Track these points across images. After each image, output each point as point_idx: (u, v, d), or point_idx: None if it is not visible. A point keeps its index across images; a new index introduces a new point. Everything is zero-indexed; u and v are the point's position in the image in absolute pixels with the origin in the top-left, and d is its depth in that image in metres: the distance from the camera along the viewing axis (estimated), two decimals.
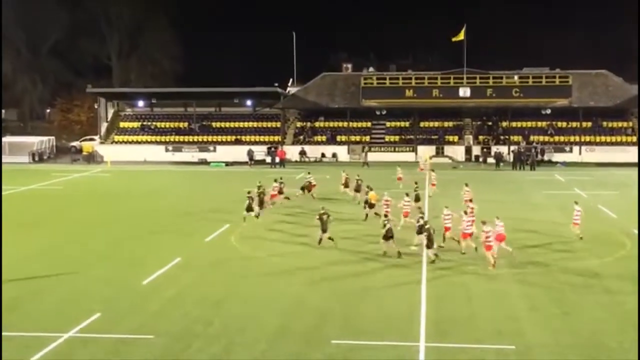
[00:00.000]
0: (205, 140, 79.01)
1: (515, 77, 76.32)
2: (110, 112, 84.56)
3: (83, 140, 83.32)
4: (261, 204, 38.42)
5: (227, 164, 71.29)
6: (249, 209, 36.91)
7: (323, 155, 74.65)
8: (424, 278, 26.78)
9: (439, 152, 74.71)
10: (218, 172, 66.42)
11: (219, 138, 79.22)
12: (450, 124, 78.67)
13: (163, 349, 19.72)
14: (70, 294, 24.97)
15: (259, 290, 25.45)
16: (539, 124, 76.92)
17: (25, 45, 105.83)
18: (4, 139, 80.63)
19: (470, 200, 36.29)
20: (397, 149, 75.72)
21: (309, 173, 49.51)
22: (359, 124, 79.01)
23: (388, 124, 78.99)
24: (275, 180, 42.94)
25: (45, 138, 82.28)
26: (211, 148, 77.31)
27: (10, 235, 35.22)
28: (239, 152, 73.86)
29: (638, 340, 20.00)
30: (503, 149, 72.45)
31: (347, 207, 41.53)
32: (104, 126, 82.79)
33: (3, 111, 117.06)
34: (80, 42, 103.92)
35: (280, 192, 42.16)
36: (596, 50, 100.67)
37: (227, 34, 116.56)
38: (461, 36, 74.06)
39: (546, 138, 75.23)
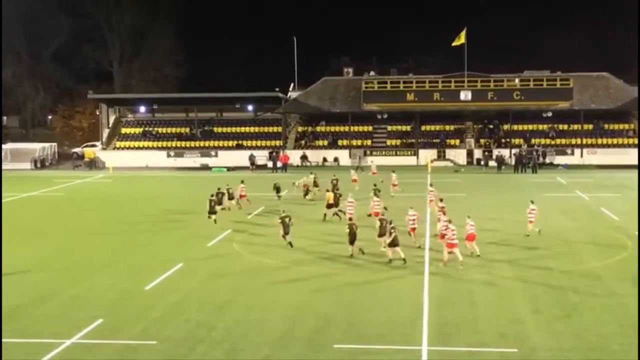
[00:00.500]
0: (206, 145, 79.09)
1: (516, 80, 76.49)
2: (112, 118, 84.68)
3: (85, 147, 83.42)
4: (220, 204, 40.14)
5: (229, 169, 71.33)
6: (212, 211, 38.54)
7: (325, 159, 74.69)
8: (427, 282, 26.77)
9: (441, 156, 74.74)
10: (220, 177, 66.49)
11: (221, 143, 79.31)
12: (452, 127, 78.69)
13: (166, 355, 19.73)
14: (72, 300, 24.98)
15: (262, 295, 25.45)
16: (540, 126, 76.97)
17: (27, 52, 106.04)
18: (5, 146, 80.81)
19: (441, 200, 36.56)
20: (398, 152, 75.75)
21: (311, 173, 50.29)
22: (361, 128, 79.07)
23: (389, 127, 79.02)
24: (242, 182, 45.31)
25: (47, 144, 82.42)
26: (213, 153, 77.39)
27: (12, 242, 35.26)
28: (240, 157, 73.88)
29: (638, 340, 20.05)
30: (505, 152, 72.49)
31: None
32: (105, 132, 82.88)
33: (5, 118, 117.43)
34: (82, 48, 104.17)
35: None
36: (597, 52, 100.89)
37: (228, 40, 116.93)
38: (462, 39, 74.13)
39: (547, 141, 75.25)
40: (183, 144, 79.75)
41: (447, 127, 78.60)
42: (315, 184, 47.90)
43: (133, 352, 20.00)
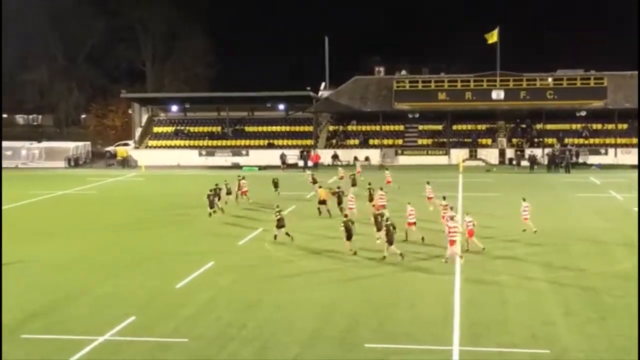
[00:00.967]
0: (238, 144, 79.43)
1: (549, 79, 75.80)
2: (145, 117, 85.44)
3: (118, 145, 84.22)
4: (219, 198, 42.48)
5: (260, 168, 71.55)
6: (211, 206, 40.87)
7: (356, 158, 74.57)
8: (457, 281, 26.64)
9: (472, 155, 74.31)
10: (251, 176, 66.66)
11: (252, 142, 79.63)
12: (484, 126, 78.23)
13: (198, 353, 19.83)
14: (105, 298, 25.21)
15: (292, 294, 25.50)
16: (574, 126, 76.22)
17: (62, 53, 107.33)
18: (40, 145, 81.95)
19: (444, 198, 36.99)
20: (429, 152, 75.47)
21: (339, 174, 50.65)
22: (392, 127, 78.90)
23: (421, 127, 78.77)
24: (244, 178, 47.50)
25: (80, 143, 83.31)
26: (244, 152, 77.70)
27: (46, 239, 35.81)
28: (271, 156, 74.12)
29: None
30: (537, 152, 71.91)
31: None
32: (138, 131, 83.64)
33: (39, 117, 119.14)
34: (115, 48, 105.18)
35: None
36: (631, 51, 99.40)
37: (260, 39, 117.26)
38: (494, 38, 73.65)
39: (581, 140, 74.47)
40: (214, 142, 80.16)
41: (479, 127, 78.16)
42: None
43: (165, 349, 20.12)
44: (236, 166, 74.02)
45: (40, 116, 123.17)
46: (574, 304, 23.83)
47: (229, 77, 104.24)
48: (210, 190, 42.17)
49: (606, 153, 72.50)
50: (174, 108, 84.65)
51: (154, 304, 24.39)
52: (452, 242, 28.94)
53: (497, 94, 74.69)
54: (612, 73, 76.01)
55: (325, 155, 74.93)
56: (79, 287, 26.80)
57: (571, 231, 36.00)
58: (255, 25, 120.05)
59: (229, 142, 79.93)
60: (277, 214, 34.14)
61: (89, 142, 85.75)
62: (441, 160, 73.74)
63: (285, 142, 79.01)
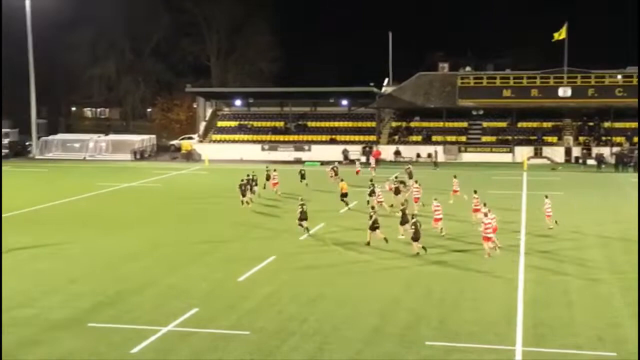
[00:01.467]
0: (300, 139, 79.72)
1: (619, 76, 74.01)
2: (209, 111, 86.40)
3: (182, 139, 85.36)
4: (251, 189, 44.32)
5: (322, 163, 71.63)
6: (244, 195, 42.79)
7: (418, 155, 74.14)
8: (521, 280, 26.30)
9: (537, 153, 73.17)
10: (313, 171, 66.84)
11: (314, 137, 79.78)
12: (549, 124, 76.90)
13: (258, 345, 19.99)
14: (169, 290, 25.60)
15: (354, 289, 25.51)
16: None
17: (130, 47, 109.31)
18: (107, 137, 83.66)
19: (476, 192, 37.33)
20: (493, 149, 74.56)
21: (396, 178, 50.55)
22: (455, 124, 78.17)
23: (485, 124, 77.88)
24: (275, 170, 49.16)
25: (146, 137, 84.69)
26: (306, 147, 77.91)
27: (113, 230, 36.54)
28: (333, 152, 74.18)
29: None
30: (604, 151, 70.40)
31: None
32: (202, 125, 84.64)
33: (107, 110, 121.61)
34: (180, 43, 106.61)
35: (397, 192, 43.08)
36: None
37: (324, 35, 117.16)
38: (562, 34, 72.33)
39: None
40: (277, 137, 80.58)
41: (545, 124, 76.86)
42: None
43: (227, 341, 20.33)
44: (298, 161, 74.31)
45: (107, 109, 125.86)
46: None
47: (292, 73, 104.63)
48: (242, 180, 43.83)
49: None
50: (238, 102, 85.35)
51: (217, 296, 24.67)
52: (487, 239, 29.58)
53: (564, 91, 73.30)
54: None
55: (387, 151, 74.64)
56: (145, 278, 27.28)
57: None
58: (319, 20, 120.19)
59: (291, 137, 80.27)
60: (300, 207, 34.76)
61: (154, 136, 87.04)
62: (505, 157, 72.77)
63: (347, 137, 78.99)
